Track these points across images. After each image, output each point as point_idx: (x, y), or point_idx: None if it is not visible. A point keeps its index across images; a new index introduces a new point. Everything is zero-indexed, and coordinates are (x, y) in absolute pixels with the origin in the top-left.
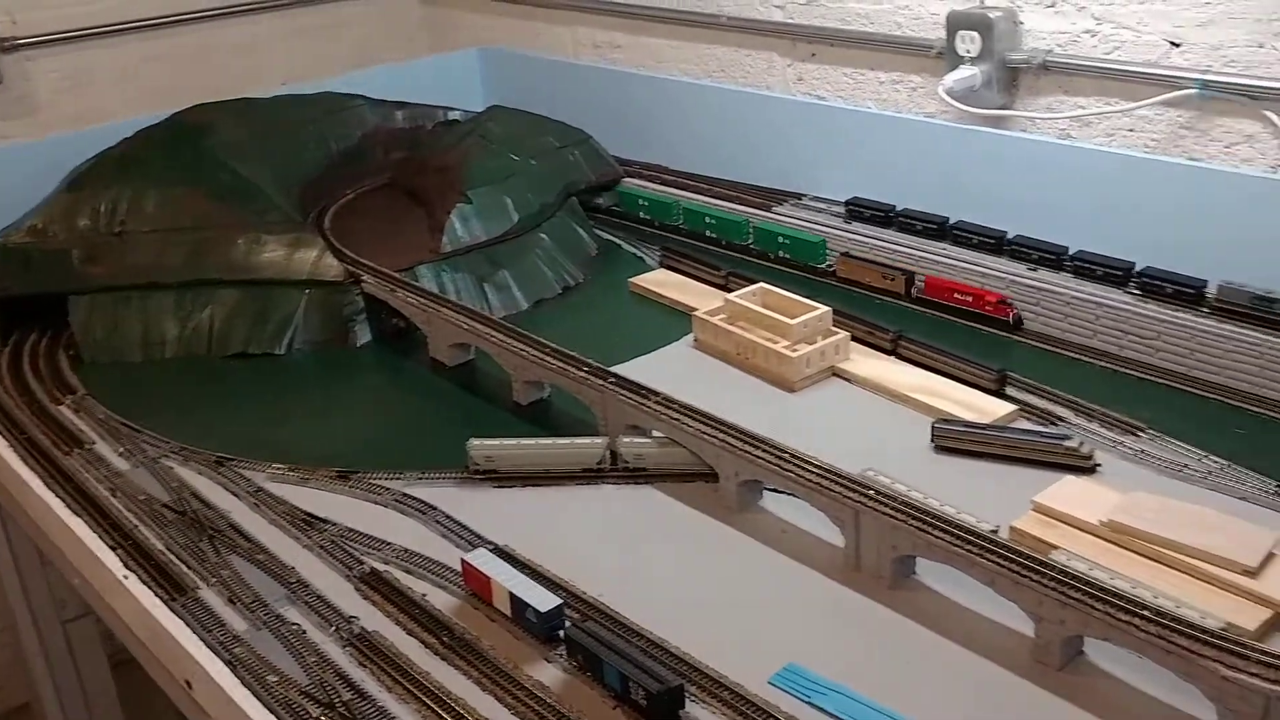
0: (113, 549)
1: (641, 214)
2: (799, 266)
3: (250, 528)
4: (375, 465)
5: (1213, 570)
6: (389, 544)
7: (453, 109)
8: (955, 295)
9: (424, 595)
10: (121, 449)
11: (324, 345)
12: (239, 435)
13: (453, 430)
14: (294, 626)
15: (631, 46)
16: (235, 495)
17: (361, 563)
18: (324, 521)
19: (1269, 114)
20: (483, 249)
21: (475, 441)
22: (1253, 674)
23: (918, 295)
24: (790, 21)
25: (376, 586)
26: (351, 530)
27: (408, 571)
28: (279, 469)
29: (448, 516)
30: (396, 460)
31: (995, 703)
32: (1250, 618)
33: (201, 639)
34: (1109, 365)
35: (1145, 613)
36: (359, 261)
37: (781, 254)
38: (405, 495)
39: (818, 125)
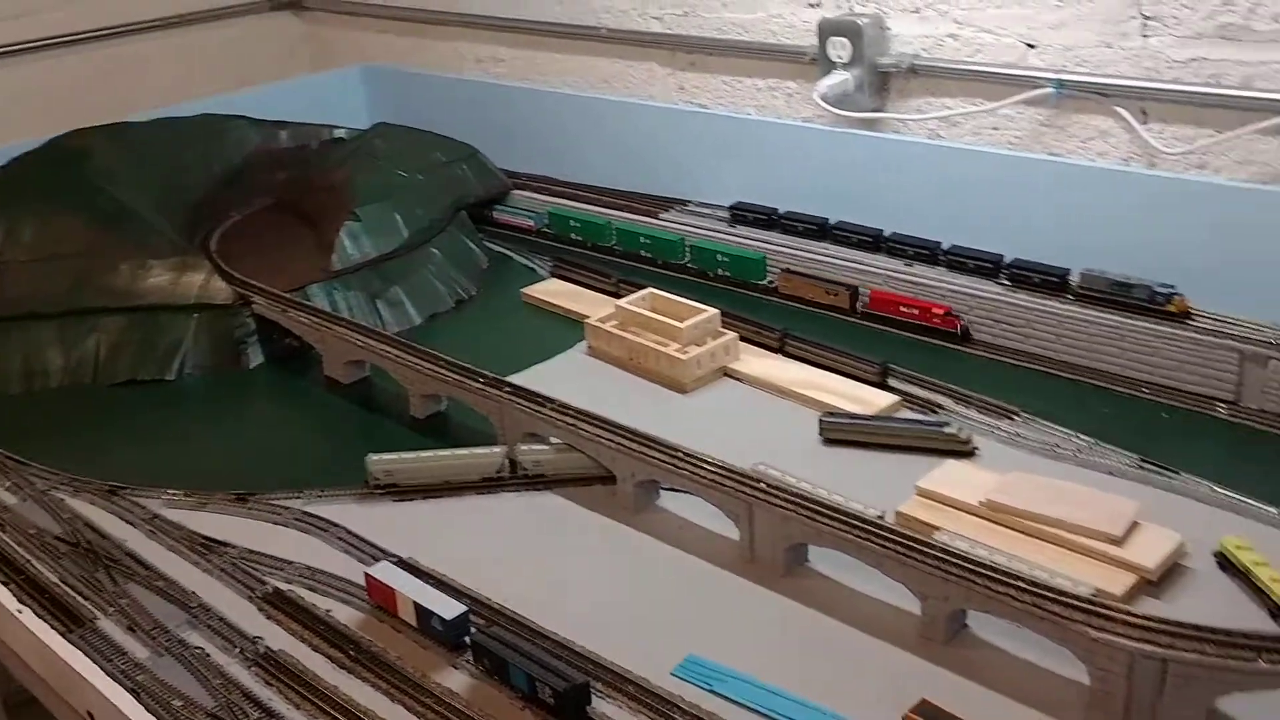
0: (4, 584)
1: (573, 235)
2: (739, 284)
3: (148, 555)
4: (274, 486)
5: (1082, 541)
6: (291, 563)
7: (338, 127)
8: (901, 309)
9: (328, 611)
10: (8, 483)
11: (216, 369)
12: (131, 463)
13: (351, 447)
14: (197, 650)
15: (515, 60)
16: (130, 524)
17: (264, 583)
18: (223, 544)
19: (1119, 110)
20: (374, 266)
21: (374, 456)
22: (1119, 634)
23: (863, 310)
24: (669, 32)
25: (280, 605)
26: (252, 551)
27: (311, 589)
28: (174, 495)
29: (349, 532)
30: (295, 479)
31: (887, 679)
32: (1117, 583)
33: (102, 668)
34: (983, 354)
35: (1021, 584)
36: (248, 283)
37: (720, 272)
38: (305, 513)
39: (700, 132)
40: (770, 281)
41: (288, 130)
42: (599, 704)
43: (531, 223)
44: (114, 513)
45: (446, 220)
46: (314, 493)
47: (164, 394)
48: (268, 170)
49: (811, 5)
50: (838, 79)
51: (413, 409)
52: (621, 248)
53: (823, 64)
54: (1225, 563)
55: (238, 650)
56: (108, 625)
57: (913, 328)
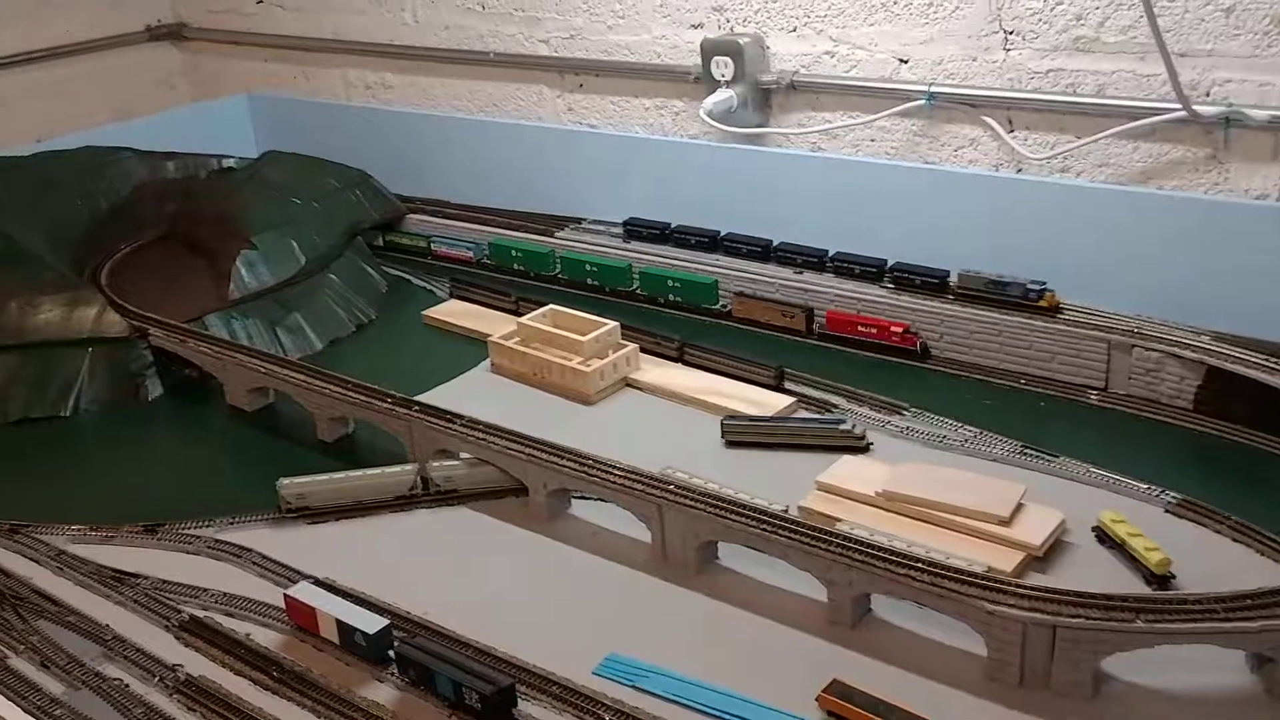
0: None
1: (515, 265)
2: (691, 309)
3: (56, 591)
4: (183, 516)
5: (973, 524)
6: (206, 590)
7: (227, 157)
8: (859, 328)
9: (248, 635)
10: None
11: (114, 403)
12: (32, 502)
13: (261, 473)
14: (115, 682)
15: (403, 86)
16: (35, 561)
17: (180, 611)
18: (134, 576)
19: (987, 119)
20: (272, 293)
21: (285, 480)
22: (1011, 605)
23: (820, 331)
24: (556, 55)
25: (198, 633)
26: (165, 582)
27: (229, 615)
28: (79, 530)
29: (264, 557)
30: (205, 509)
31: (800, 663)
32: (1007, 560)
33: (18, 706)
34: (872, 355)
35: (920, 565)
36: (144, 315)
37: (671, 297)
38: (218, 541)
39: (591, 152)
40: (723, 305)
41: (175, 161)
42: (524, 706)
43: (471, 254)
44: (16, 551)
45: (343, 246)
46: (225, 520)
47: (61, 431)
48: (156, 201)
49: (694, 26)
50: (722, 97)
51: (320, 433)
52: (566, 276)
53: (707, 82)
54: (1103, 536)
55: (157, 679)
56: (19, 664)
57: (871, 346)
